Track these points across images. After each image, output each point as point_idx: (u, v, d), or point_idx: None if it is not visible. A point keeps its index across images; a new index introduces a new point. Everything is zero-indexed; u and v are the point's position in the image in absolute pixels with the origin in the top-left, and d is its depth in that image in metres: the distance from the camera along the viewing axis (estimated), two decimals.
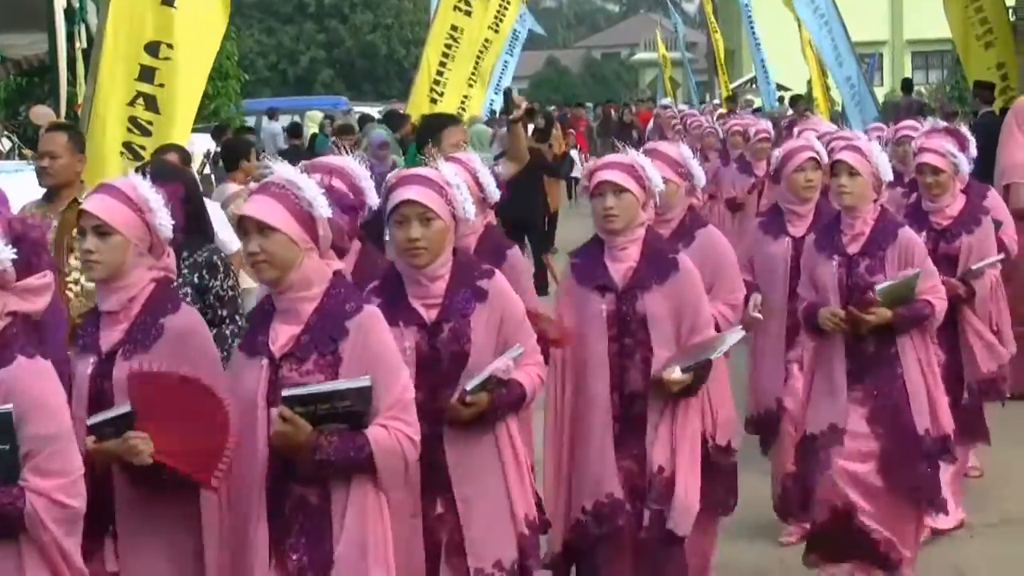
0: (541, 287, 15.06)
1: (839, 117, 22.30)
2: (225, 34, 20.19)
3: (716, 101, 33.82)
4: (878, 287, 6.60)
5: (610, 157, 6.00)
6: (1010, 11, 17.53)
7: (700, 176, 6.74)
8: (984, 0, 16.96)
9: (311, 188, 4.46)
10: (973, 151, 8.30)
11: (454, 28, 17.85)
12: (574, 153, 25.96)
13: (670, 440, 5.78)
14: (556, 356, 5.85)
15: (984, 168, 10.21)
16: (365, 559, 4.41)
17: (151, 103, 8.39)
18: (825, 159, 7.68)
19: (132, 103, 8.39)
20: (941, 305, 6.78)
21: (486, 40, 20.83)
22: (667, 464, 5.76)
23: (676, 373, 5.67)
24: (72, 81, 16.39)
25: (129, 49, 8.40)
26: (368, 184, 5.12)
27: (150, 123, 8.41)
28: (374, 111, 28.55)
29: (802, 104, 25.64)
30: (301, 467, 4.43)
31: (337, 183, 4.78)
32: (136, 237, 4.54)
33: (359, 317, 4.46)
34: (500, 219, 16.63)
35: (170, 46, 8.43)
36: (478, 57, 20.17)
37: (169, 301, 4.61)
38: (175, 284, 5.34)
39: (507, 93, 9.21)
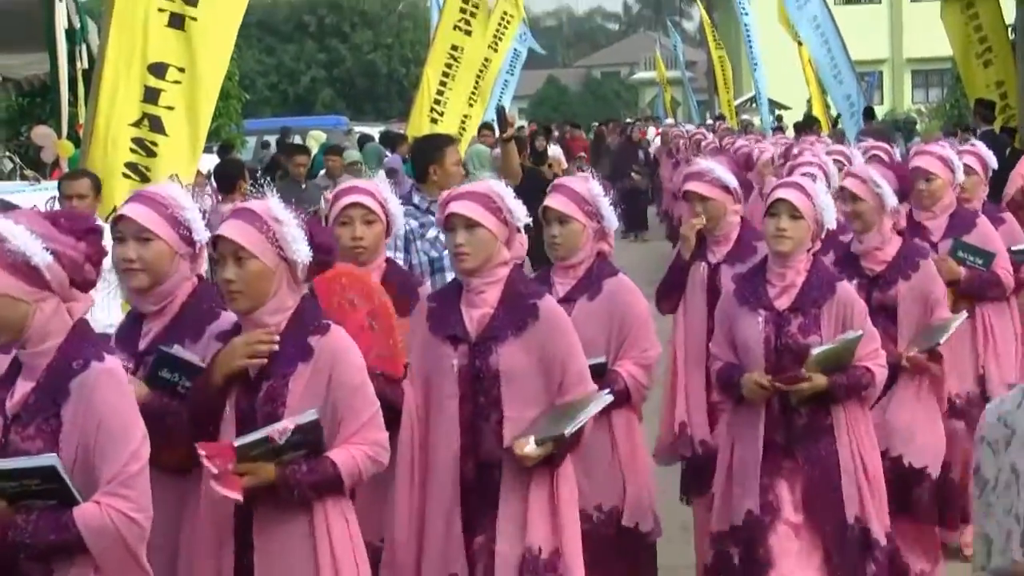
0: None
1: (841, 135, 22.30)
2: None
3: (714, 120, 33.82)
4: (814, 351, 5.73)
5: (466, 186, 5.31)
6: (1009, 29, 17.58)
7: (611, 218, 5.98)
8: (984, 18, 17.04)
9: (20, 236, 3.96)
10: (954, 176, 7.75)
11: (454, 48, 17.88)
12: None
13: (548, 513, 5.07)
14: (410, 414, 5.18)
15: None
16: None
17: (157, 124, 8.37)
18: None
19: (138, 124, 8.37)
20: (881, 374, 5.95)
21: (486, 59, 20.85)
22: (547, 543, 5.03)
23: (530, 446, 4.98)
24: (73, 102, 16.42)
25: (132, 70, 8.39)
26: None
27: (155, 144, 8.39)
28: (374, 131, 28.58)
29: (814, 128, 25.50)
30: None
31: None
32: None
33: (84, 375, 3.97)
34: None
35: (181, 69, 8.40)
36: (478, 76, 20.20)
37: None
38: None
39: (500, 111, 9.11)
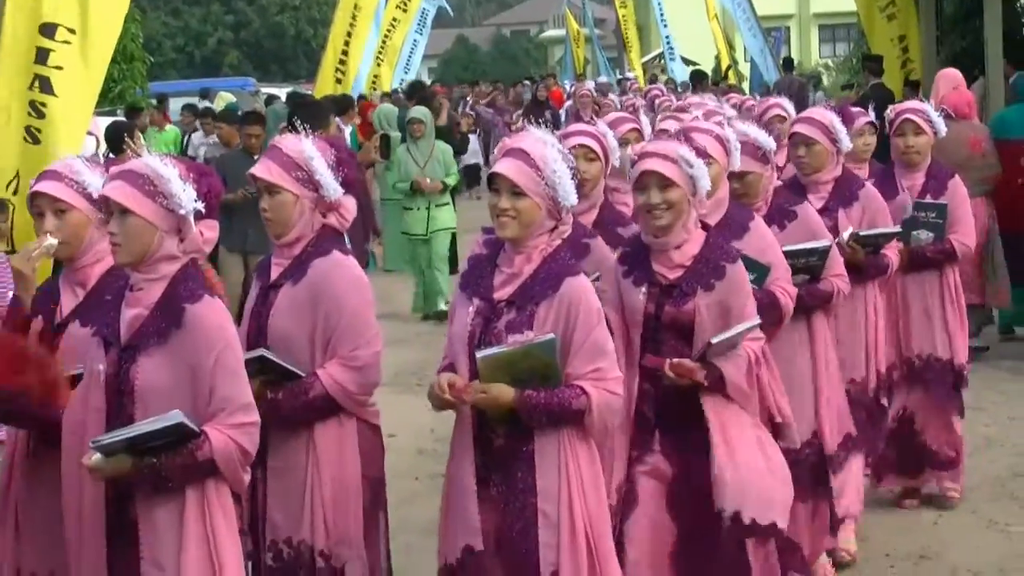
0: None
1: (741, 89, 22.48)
2: (130, 16, 19.91)
3: (623, 78, 33.84)
4: (479, 355, 4.65)
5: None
6: None
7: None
8: None
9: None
10: (729, 160, 5.91)
11: (357, 7, 17.81)
12: (472, 137, 25.32)
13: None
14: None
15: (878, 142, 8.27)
16: None
17: (46, 85, 8.30)
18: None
19: (31, 86, 8.31)
20: (601, 399, 4.68)
21: (394, 19, 20.84)
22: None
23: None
24: None
25: (27, 31, 8.33)
26: None
27: (44, 105, 8.32)
28: (282, 92, 28.42)
29: (705, 81, 25.61)
30: None
31: None
32: None
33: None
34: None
35: (71, 30, 8.35)
36: (386, 36, 20.17)
37: None
38: None
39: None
